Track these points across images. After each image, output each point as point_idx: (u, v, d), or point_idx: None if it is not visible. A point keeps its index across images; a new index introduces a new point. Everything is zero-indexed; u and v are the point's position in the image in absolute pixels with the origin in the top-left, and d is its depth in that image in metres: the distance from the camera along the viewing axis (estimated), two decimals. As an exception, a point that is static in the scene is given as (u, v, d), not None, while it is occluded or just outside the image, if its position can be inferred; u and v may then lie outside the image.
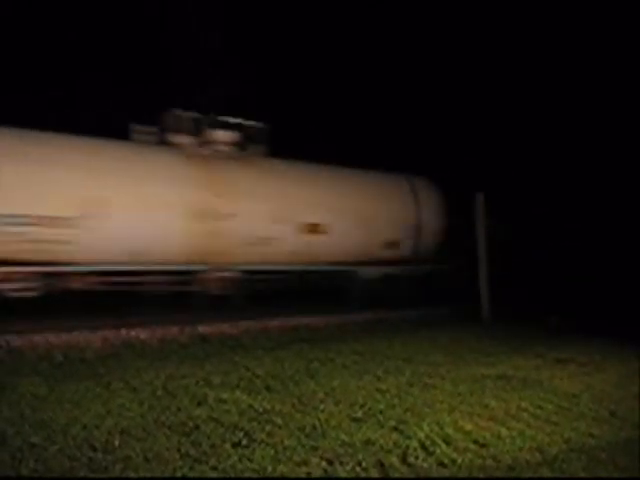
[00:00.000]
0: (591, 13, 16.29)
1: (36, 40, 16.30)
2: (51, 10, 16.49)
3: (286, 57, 19.56)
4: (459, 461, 4.23)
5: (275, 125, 12.98)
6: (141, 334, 9.17)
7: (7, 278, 9.28)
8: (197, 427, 4.74)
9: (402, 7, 19.97)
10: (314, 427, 4.83)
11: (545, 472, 4.12)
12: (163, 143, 11.54)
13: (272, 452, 4.24)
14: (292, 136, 16.02)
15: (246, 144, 12.44)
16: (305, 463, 4.07)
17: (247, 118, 12.59)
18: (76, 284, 9.96)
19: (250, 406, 5.39)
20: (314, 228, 12.28)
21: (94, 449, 4.17)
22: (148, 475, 3.79)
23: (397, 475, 3.96)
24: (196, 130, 11.92)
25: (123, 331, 9.16)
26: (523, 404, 5.78)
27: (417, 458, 4.25)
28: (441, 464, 4.18)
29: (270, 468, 3.95)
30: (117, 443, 4.30)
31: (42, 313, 9.98)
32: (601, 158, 16.40)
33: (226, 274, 11.34)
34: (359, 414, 5.24)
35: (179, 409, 5.22)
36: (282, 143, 12.90)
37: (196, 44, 18.34)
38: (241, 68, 18.45)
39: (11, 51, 15.99)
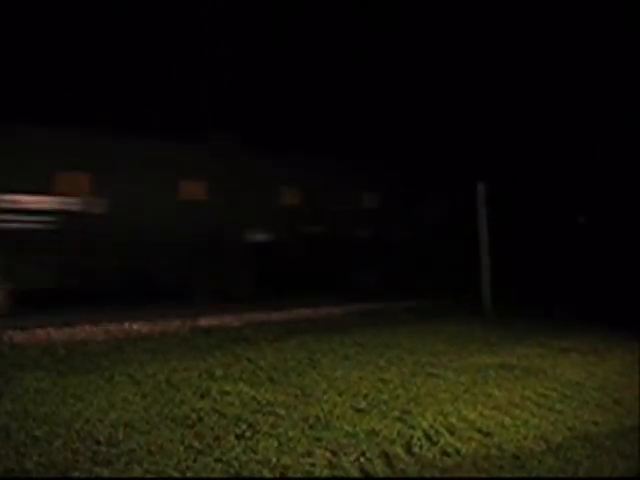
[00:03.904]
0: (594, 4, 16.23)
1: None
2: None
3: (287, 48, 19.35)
4: (463, 450, 4.23)
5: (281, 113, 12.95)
6: (143, 327, 9.19)
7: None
8: (200, 419, 4.74)
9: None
10: (318, 418, 4.83)
11: (550, 460, 4.12)
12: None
13: (276, 443, 4.23)
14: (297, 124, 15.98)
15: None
16: (309, 454, 4.07)
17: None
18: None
19: (253, 398, 5.39)
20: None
21: (98, 442, 4.17)
22: (152, 468, 3.79)
23: (402, 466, 3.96)
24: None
25: (126, 324, 9.17)
26: (526, 393, 5.78)
27: (421, 448, 4.24)
28: (445, 453, 4.17)
29: (274, 459, 3.94)
30: (121, 436, 4.30)
31: (45, 307, 10.00)
32: (603, 149, 16.38)
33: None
34: (362, 405, 5.24)
35: (182, 402, 5.22)
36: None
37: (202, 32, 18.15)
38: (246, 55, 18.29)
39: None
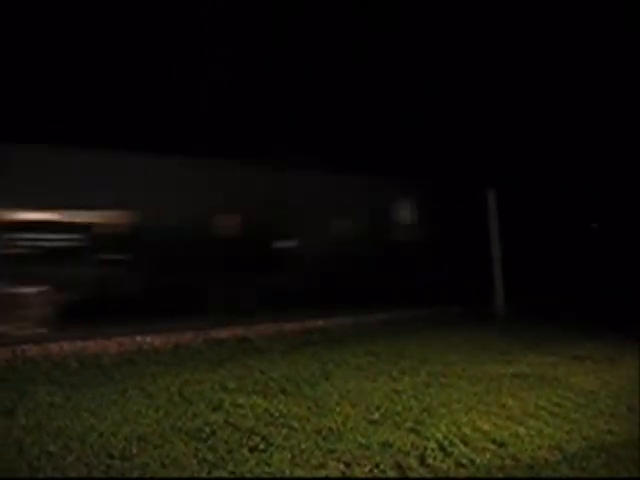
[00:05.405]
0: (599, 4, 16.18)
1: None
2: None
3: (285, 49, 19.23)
4: (477, 461, 4.20)
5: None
6: (156, 340, 9.21)
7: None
8: (214, 432, 4.74)
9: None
10: (331, 430, 4.82)
11: (565, 470, 4.08)
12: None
13: (289, 456, 4.23)
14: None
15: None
16: (323, 466, 4.06)
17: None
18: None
19: (266, 410, 5.38)
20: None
21: (111, 457, 4.18)
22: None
23: (415, 476, 3.94)
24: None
25: (138, 337, 9.19)
26: (540, 402, 5.74)
27: (435, 459, 4.22)
28: (460, 464, 4.15)
29: (288, 472, 3.94)
30: (134, 450, 4.31)
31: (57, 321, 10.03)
32: (608, 151, 16.32)
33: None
34: (376, 416, 5.22)
35: (195, 415, 5.23)
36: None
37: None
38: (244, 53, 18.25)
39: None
